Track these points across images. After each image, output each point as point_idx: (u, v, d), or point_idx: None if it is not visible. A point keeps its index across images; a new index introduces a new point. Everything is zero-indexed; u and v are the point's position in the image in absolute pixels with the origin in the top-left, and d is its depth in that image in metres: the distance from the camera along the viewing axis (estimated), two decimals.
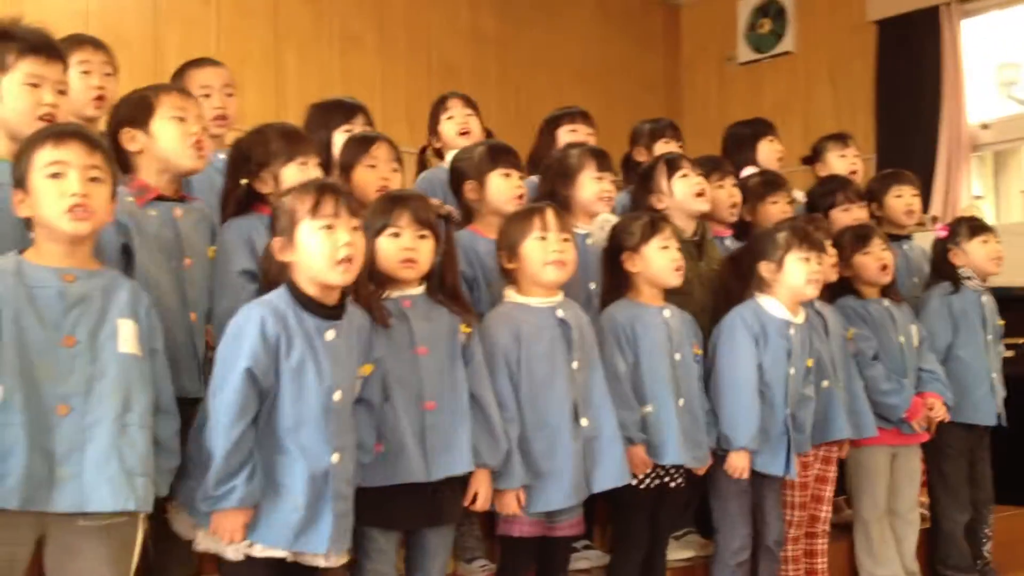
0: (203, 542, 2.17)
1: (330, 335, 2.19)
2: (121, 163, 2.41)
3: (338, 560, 2.22)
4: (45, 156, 2.01)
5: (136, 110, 2.43)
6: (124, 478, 1.94)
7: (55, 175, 2.01)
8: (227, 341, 2.15)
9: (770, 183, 3.71)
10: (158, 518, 2.21)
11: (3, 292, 1.95)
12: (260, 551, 2.14)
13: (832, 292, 3.51)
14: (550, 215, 2.69)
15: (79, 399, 1.95)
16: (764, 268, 3.11)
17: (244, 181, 2.56)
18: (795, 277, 3.08)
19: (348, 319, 2.26)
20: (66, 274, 2.02)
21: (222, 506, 2.08)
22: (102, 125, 2.89)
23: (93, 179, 2.03)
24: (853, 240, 3.53)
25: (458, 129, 3.64)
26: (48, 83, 2.29)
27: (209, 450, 2.08)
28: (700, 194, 3.33)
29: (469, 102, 3.73)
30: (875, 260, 3.52)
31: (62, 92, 2.32)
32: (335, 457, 2.16)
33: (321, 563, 2.18)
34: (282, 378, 2.13)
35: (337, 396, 2.17)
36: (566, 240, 2.68)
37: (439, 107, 3.73)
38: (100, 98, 2.95)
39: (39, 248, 2.05)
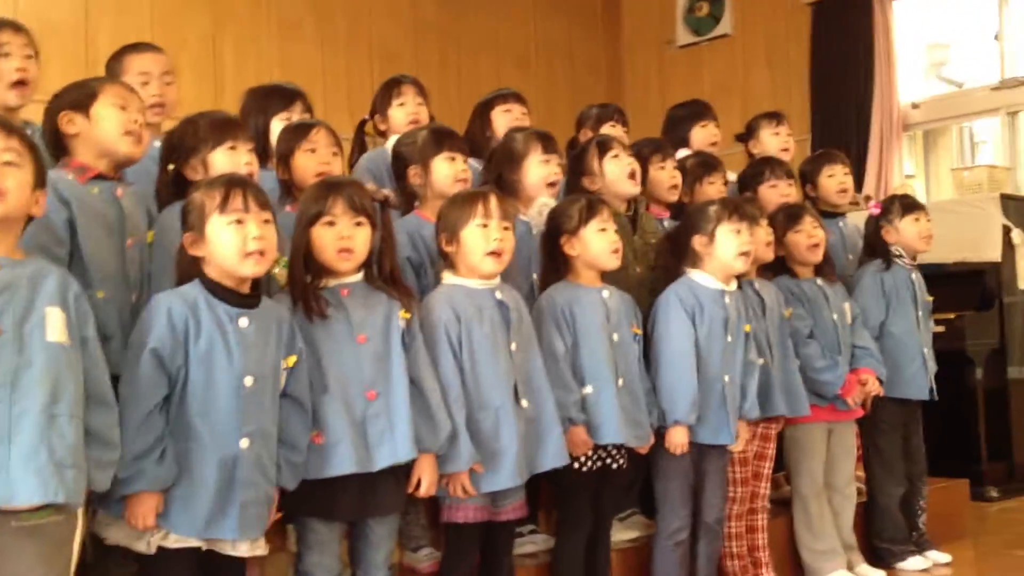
0: (114, 534, 2.14)
1: (243, 322, 2.20)
2: (58, 147, 2.41)
3: (251, 550, 2.22)
4: None
5: (78, 95, 2.41)
6: (53, 470, 1.87)
7: None
8: (136, 328, 2.16)
9: (707, 164, 3.75)
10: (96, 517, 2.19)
11: None
12: (174, 541, 2.13)
13: (768, 272, 3.56)
14: (493, 202, 2.68)
15: (5, 390, 1.87)
16: (697, 241, 3.14)
17: (171, 167, 2.54)
18: (726, 249, 3.12)
19: (264, 309, 2.26)
20: None
21: (130, 489, 2.06)
22: (27, 114, 2.85)
23: (8, 163, 1.98)
24: (785, 219, 3.58)
25: (408, 118, 3.61)
26: (16, 48, 2.31)
27: (119, 434, 2.06)
28: (632, 175, 3.36)
29: (421, 90, 3.71)
30: (806, 238, 3.57)
31: (29, 56, 2.33)
32: (244, 443, 2.15)
33: (229, 551, 2.18)
34: (191, 363, 2.14)
35: (248, 381, 2.17)
36: (506, 229, 2.68)
37: (392, 89, 3.69)
38: (22, 82, 2.87)
39: None
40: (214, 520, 2.13)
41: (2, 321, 1.91)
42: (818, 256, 3.60)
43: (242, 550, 2.21)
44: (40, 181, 2.05)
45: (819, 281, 3.64)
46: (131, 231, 2.41)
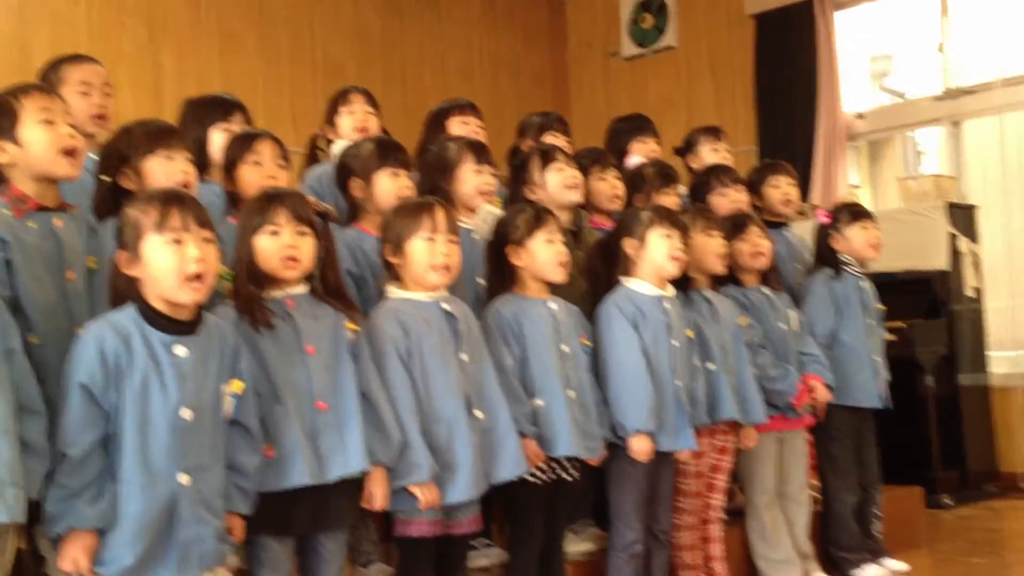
0: (53, 570, 2.06)
1: (180, 350, 2.09)
2: None
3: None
4: None
5: (0, 118, 2.27)
6: None
7: None
8: (68, 359, 2.06)
9: (665, 175, 3.74)
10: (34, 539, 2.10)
11: None
12: None
13: (715, 281, 3.55)
14: (440, 215, 2.65)
15: None
16: (628, 244, 3.13)
17: (106, 178, 2.45)
18: (657, 253, 3.11)
19: (206, 332, 2.16)
20: None
21: (60, 527, 1.99)
22: None
23: None
24: (730, 228, 3.58)
25: (356, 125, 3.57)
26: None
27: (56, 471, 2.00)
28: (573, 186, 3.34)
29: (372, 100, 3.67)
30: (750, 246, 3.58)
31: None
32: (183, 478, 2.06)
33: None
34: (125, 398, 2.04)
35: (186, 414, 2.07)
36: (452, 242, 2.65)
37: (340, 99, 3.65)
38: None
39: None
40: (151, 561, 2.04)
41: None
42: (761, 263, 3.60)
43: None
44: None
45: (764, 289, 3.64)
46: (71, 263, 2.30)
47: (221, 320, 2.25)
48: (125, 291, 2.12)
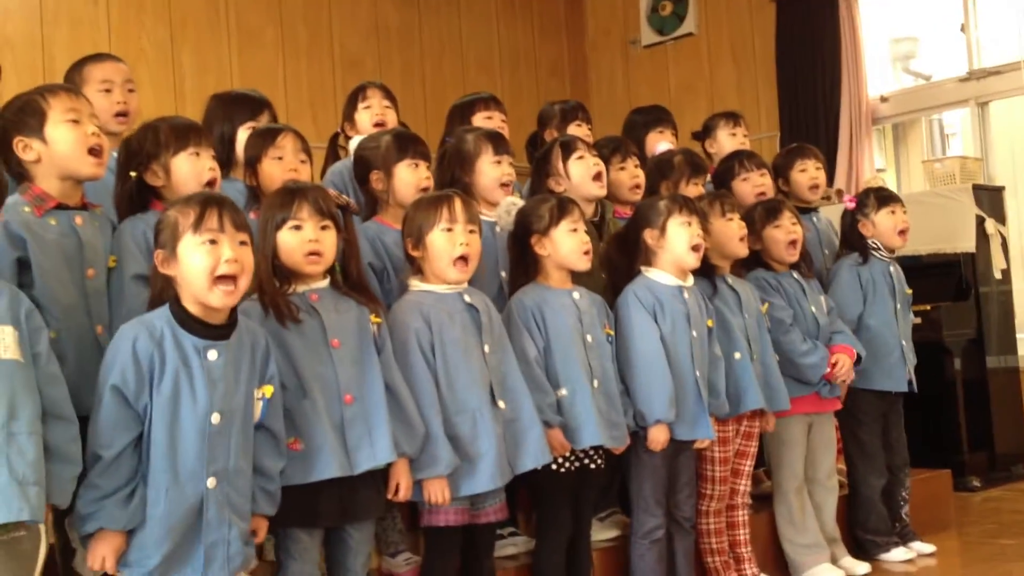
0: (81, 568, 2.09)
1: (212, 355, 2.11)
2: (16, 171, 2.32)
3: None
4: None
5: (28, 116, 2.31)
6: (15, 488, 1.85)
7: None
8: (104, 360, 2.09)
9: (696, 165, 3.71)
10: (65, 533, 2.13)
11: None
12: None
13: (744, 266, 3.53)
14: (458, 205, 2.65)
15: None
16: (648, 235, 3.12)
17: (133, 174, 2.46)
18: (678, 242, 3.08)
19: (238, 338, 2.18)
20: None
21: (90, 527, 2.01)
22: None
23: None
24: (764, 214, 3.56)
25: (373, 120, 3.57)
26: None
27: (86, 471, 2.03)
28: (597, 176, 3.33)
29: (388, 94, 3.67)
30: (785, 234, 3.55)
31: None
32: (211, 482, 2.08)
33: None
34: (155, 401, 2.06)
35: (215, 419, 2.09)
36: (472, 232, 2.65)
37: (357, 95, 3.65)
38: None
39: None
40: (176, 563, 2.06)
41: None
42: (795, 255, 3.58)
43: None
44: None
45: (795, 275, 3.62)
46: (91, 261, 2.33)
47: (252, 323, 2.26)
48: (162, 291, 2.14)
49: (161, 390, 2.05)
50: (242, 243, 2.13)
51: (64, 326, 2.23)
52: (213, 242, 2.10)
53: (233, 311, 2.17)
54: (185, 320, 2.11)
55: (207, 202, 2.13)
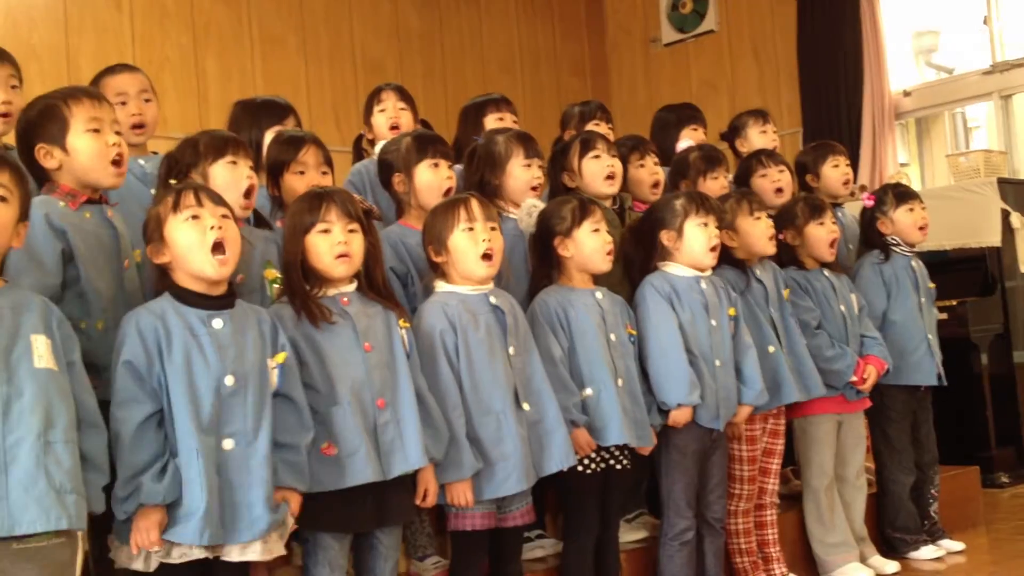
0: (120, 557, 2.10)
1: (216, 323, 2.17)
2: (38, 175, 2.35)
3: (264, 552, 2.16)
4: None
5: (49, 124, 2.33)
6: (53, 496, 1.87)
7: None
8: (114, 347, 2.14)
9: (710, 158, 3.70)
10: (99, 542, 2.15)
11: None
12: (177, 557, 2.08)
13: (776, 261, 3.51)
14: (475, 205, 2.66)
15: None
16: (665, 237, 3.11)
17: (173, 182, 2.48)
18: (695, 243, 3.08)
19: (241, 309, 2.24)
20: None
21: (130, 506, 2.04)
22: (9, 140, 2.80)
23: None
24: (808, 211, 3.55)
25: (388, 123, 3.59)
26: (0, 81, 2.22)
27: (116, 455, 2.06)
28: (609, 176, 3.30)
29: (404, 95, 3.68)
30: (828, 233, 3.55)
31: (15, 87, 2.28)
32: (227, 444, 2.12)
33: (236, 556, 2.13)
34: (169, 375, 2.11)
35: (229, 381, 2.14)
36: (493, 229, 2.66)
37: (373, 99, 3.68)
38: (5, 114, 2.80)
39: None
40: (212, 526, 2.07)
41: None
42: (835, 254, 3.58)
43: (253, 553, 2.15)
44: (24, 214, 2.02)
45: (826, 272, 3.61)
46: (126, 252, 2.38)
47: (254, 305, 2.31)
48: (159, 284, 2.21)
49: (172, 359, 2.11)
50: (223, 216, 2.20)
51: (108, 317, 2.27)
52: (195, 217, 2.18)
53: (231, 287, 2.23)
54: (185, 297, 2.18)
55: (180, 187, 2.23)
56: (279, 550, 2.21)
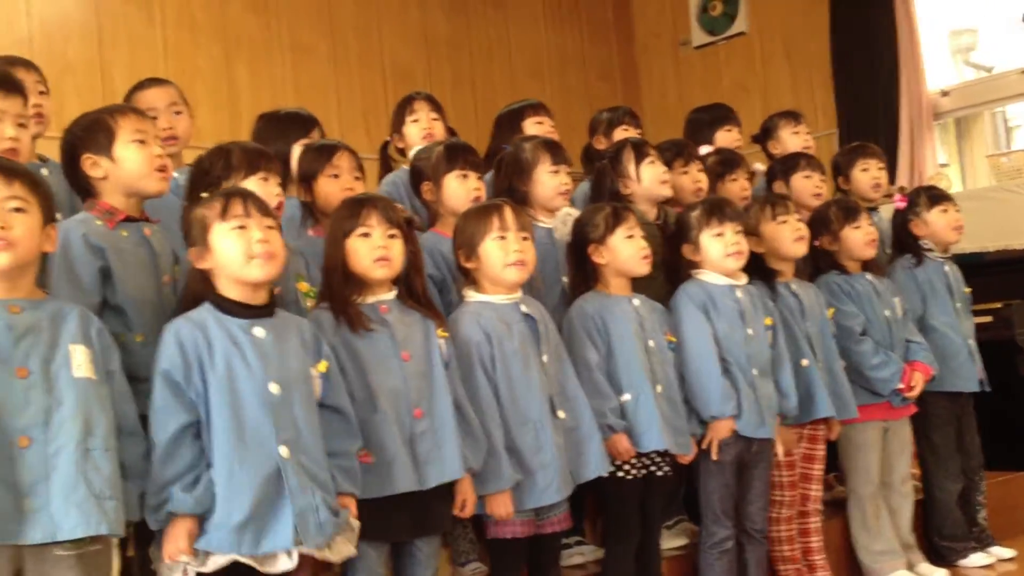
0: (162, 569, 2.08)
1: (258, 331, 2.16)
2: (83, 187, 2.40)
3: (329, 553, 2.15)
4: None
5: (97, 135, 2.38)
6: (93, 503, 1.90)
7: None
8: (154, 357, 2.13)
9: (727, 161, 3.71)
10: (142, 548, 2.16)
11: None
12: (213, 565, 2.06)
13: (814, 269, 3.48)
14: (509, 214, 2.65)
15: (39, 430, 1.91)
16: (686, 250, 3.12)
17: (204, 195, 2.48)
18: (713, 253, 3.07)
19: (282, 317, 2.23)
20: (11, 305, 1.97)
21: (159, 516, 2.04)
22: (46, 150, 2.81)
23: (16, 209, 1.97)
24: (842, 214, 3.51)
25: (422, 133, 3.59)
26: (8, 116, 2.28)
27: (148, 465, 2.06)
28: (665, 181, 3.34)
29: (435, 105, 3.69)
30: (865, 234, 3.51)
31: (22, 125, 2.30)
32: (283, 450, 2.11)
33: (287, 565, 2.10)
34: (210, 385, 2.10)
35: (274, 389, 2.13)
36: (525, 239, 2.65)
37: (405, 108, 3.68)
38: (37, 114, 2.86)
39: None
40: (261, 535, 2.06)
41: (28, 363, 1.94)
42: (874, 252, 3.54)
43: (312, 554, 2.13)
44: (49, 216, 2.05)
45: (869, 276, 3.56)
46: (164, 269, 2.40)
47: (294, 314, 2.31)
48: (200, 290, 2.20)
49: (215, 369, 2.09)
50: (269, 227, 2.19)
51: (148, 330, 2.29)
52: (242, 227, 2.16)
53: (271, 296, 2.22)
54: (226, 306, 2.16)
55: (230, 193, 2.22)
56: (348, 551, 2.19)
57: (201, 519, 2.06)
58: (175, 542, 2.03)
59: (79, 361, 1.98)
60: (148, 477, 2.06)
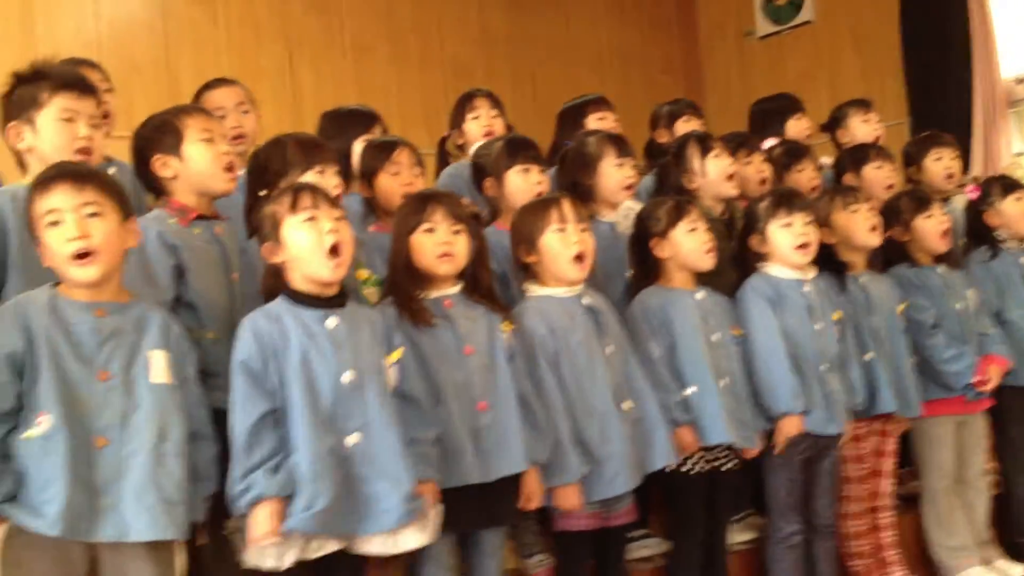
0: (248, 556, 2.11)
1: (331, 322, 2.18)
2: (154, 187, 2.46)
3: (419, 538, 2.17)
4: (40, 207, 2.03)
5: (165, 135, 2.43)
6: (162, 507, 1.96)
7: (53, 223, 2.02)
8: (232, 350, 2.17)
9: (793, 152, 3.69)
10: (215, 536, 2.20)
11: (39, 327, 1.99)
12: (315, 550, 2.09)
13: (884, 261, 3.41)
14: (567, 206, 2.66)
15: (116, 431, 1.98)
16: (754, 241, 3.08)
17: (263, 193, 2.51)
18: (781, 245, 3.03)
19: (353, 308, 2.26)
20: (97, 308, 2.04)
21: (243, 502, 2.06)
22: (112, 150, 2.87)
23: (92, 215, 2.03)
24: (914, 204, 3.46)
25: (483, 130, 3.61)
26: (82, 117, 2.33)
27: (232, 453, 2.10)
28: (730, 176, 3.32)
29: (495, 102, 3.71)
30: (937, 224, 3.45)
31: (95, 125, 2.35)
32: (353, 439, 2.13)
33: (375, 549, 2.14)
34: (287, 370, 2.13)
35: (347, 377, 2.15)
36: (584, 231, 2.65)
37: (465, 104, 3.70)
38: (104, 113, 2.88)
39: (69, 283, 2.06)
40: (337, 519, 2.09)
41: (111, 366, 2.01)
42: (948, 244, 3.47)
43: (400, 543, 2.15)
44: (126, 211, 2.10)
45: (941, 269, 3.50)
46: (235, 266, 2.45)
47: (381, 311, 2.35)
48: (274, 284, 2.23)
49: (289, 359, 2.12)
50: (338, 219, 2.22)
51: (219, 327, 2.34)
52: (312, 219, 2.18)
53: (342, 288, 2.25)
54: (299, 298, 2.19)
55: (298, 187, 2.25)
56: (424, 539, 2.21)
57: (284, 504, 2.07)
58: (262, 526, 2.05)
59: (158, 367, 2.05)
60: (215, 479, 2.11)
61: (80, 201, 2.01)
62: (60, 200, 2.01)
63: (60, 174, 2.06)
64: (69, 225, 2.00)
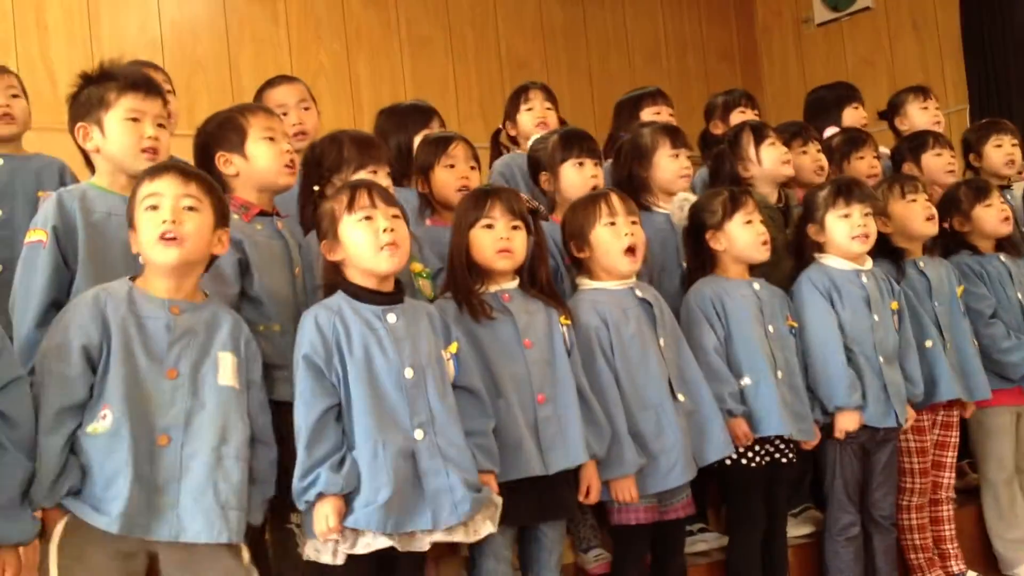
0: (307, 550, 2.15)
1: (391, 318, 2.21)
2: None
3: (468, 534, 2.19)
4: (143, 191, 2.09)
5: (228, 133, 2.48)
6: (218, 511, 1.98)
7: (152, 207, 2.07)
8: (295, 344, 2.20)
9: (854, 140, 3.66)
10: (279, 532, 2.24)
11: (115, 319, 2.01)
12: (364, 546, 2.11)
13: (943, 252, 3.37)
14: (615, 199, 2.67)
15: (179, 430, 2.00)
16: (811, 230, 3.06)
17: (316, 188, 2.57)
18: (839, 235, 3.00)
19: (411, 304, 2.29)
20: (173, 306, 2.07)
21: (307, 497, 2.08)
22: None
23: (189, 208, 2.08)
24: (973, 193, 3.42)
25: (536, 121, 3.62)
26: (148, 117, 2.36)
27: (297, 449, 2.11)
28: (786, 162, 3.32)
29: (550, 95, 3.72)
30: (998, 211, 3.41)
31: (162, 125, 2.39)
32: (418, 434, 2.15)
33: (426, 545, 2.15)
34: (349, 369, 2.15)
35: (408, 373, 2.17)
36: (634, 223, 2.65)
37: (520, 96, 3.71)
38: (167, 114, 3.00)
39: (147, 278, 2.10)
40: (404, 513, 2.11)
41: (180, 365, 2.03)
42: (1009, 228, 3.43)
43: (453, 535, 2.18)
44: (222, 220, 2.14)
45: (1002, 257, 3.45)
46: (297, 261, 2.48)
47: (440, 306, 2.37)
48: (333, 280, 2.26)
49: (353, 354, 2.15)
50: (395, 216, 2.24)
51: (284, 320, 2.37)
52: (368, 218, 2.21)
53: (399, 284, 2.28)
54: (358, 293, 2.22)
55: (356, 185, 2.28)
56: (487, 530, 2.23)
57: (347, 500, 2.10)
58: (325, 520, 2.07)
59: (226, 369, 2.07)
60: (274, 484, 2.14)
61: (182, 192, 2.07)
62: (164, 186, 2.07)
63: (171, 166, 2.14)
64: (165, 210, 2.06)
